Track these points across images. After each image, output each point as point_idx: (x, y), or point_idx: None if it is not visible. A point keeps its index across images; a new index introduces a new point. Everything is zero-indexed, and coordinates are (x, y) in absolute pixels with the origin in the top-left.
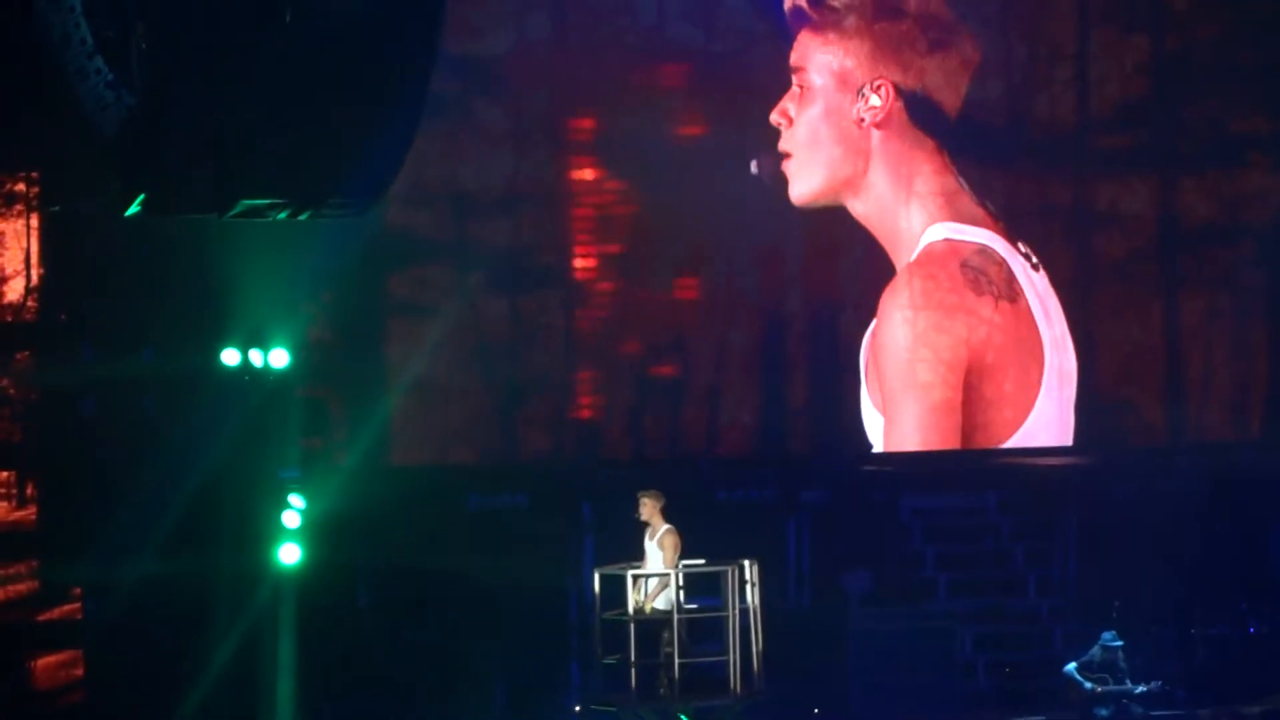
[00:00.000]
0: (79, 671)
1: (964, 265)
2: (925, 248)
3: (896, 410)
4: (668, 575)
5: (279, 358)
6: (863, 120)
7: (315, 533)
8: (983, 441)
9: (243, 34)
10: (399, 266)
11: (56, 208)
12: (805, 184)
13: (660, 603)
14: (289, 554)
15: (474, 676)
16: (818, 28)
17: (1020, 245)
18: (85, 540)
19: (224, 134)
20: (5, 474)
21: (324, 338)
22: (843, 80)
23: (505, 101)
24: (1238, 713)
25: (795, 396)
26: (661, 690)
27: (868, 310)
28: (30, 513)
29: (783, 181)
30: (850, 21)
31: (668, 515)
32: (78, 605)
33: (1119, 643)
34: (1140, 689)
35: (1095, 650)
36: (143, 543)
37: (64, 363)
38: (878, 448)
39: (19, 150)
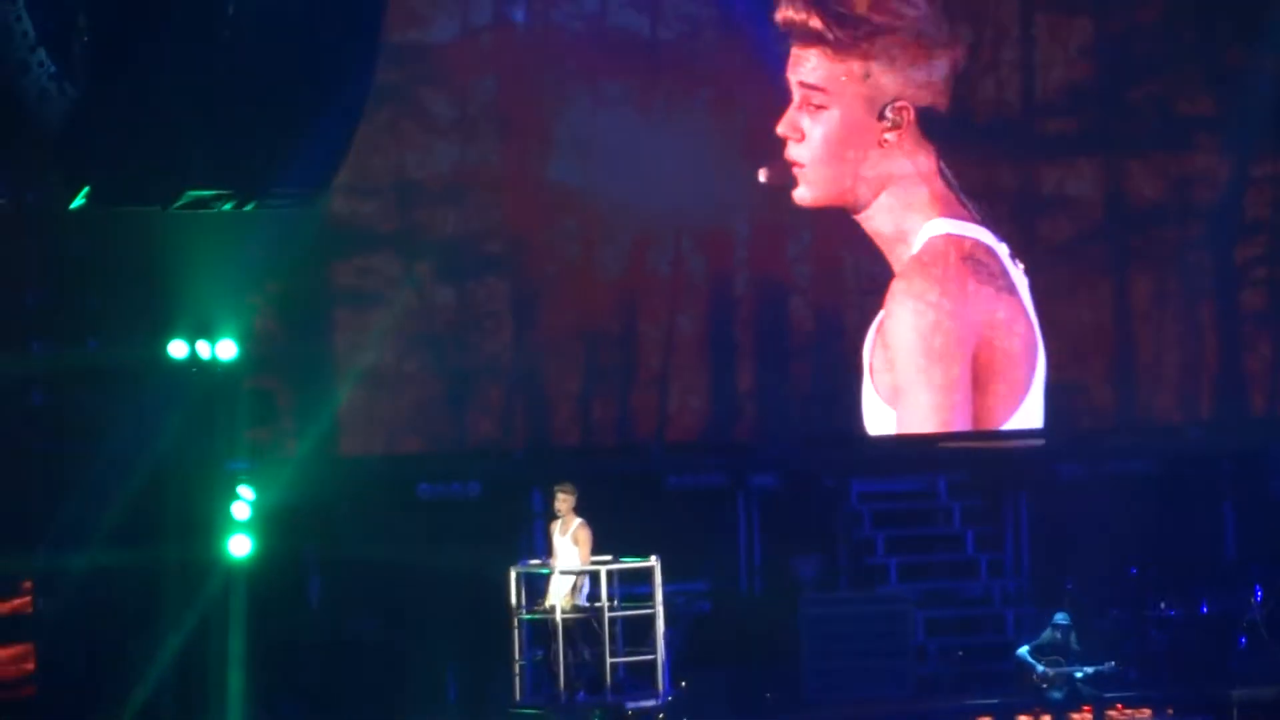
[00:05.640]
0: (30, 666)
1: (967, 257)
2: (928, 241)
3: (908, 397)
4: (585, 572)
5: (226, 349)
6: (885, 141)
7: (265, 524)
8: (987, 424)
9: (186, 26)
10: (345, 256)
11: (2, 201)
12: (817, 193)
13: (578, 600)
14: (239, 546)
15: (425, 666)
16: (836, 46)
17: (1006, 245)
18: (34, 532)
19: (168, 126)
20: None
21: (270, 328)
22: (867, 104)
23: (450, 90)
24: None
25: (744, 381)
26: (581, 690)
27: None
28: None
29: (791, 185)
30: (867, 39)
31: (578, 508)
32: (28, 599)
33: (1067, 622)
34: (1091, 670)
35: (1047, 632)
36: (91, 535)
37: (11, 355)
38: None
39: None
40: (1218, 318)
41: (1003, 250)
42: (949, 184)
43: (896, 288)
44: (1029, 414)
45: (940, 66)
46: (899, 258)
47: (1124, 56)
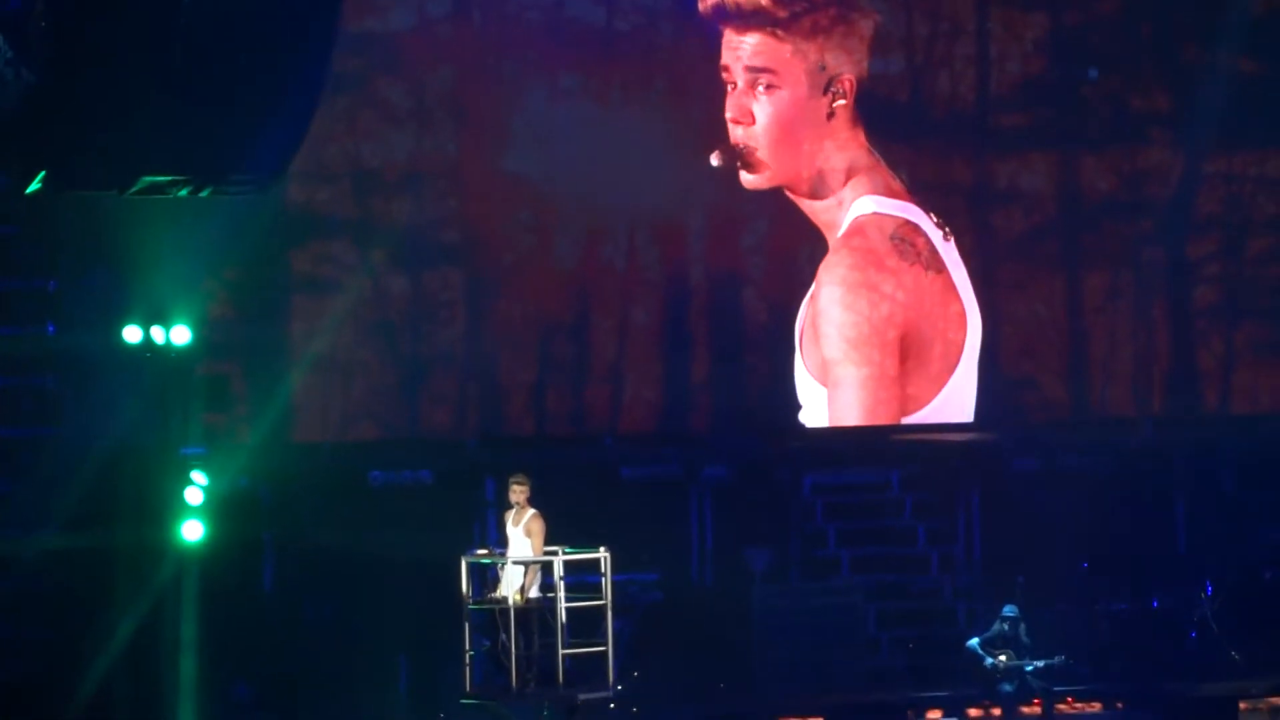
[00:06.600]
0: None
1: (893, 236)
2: (855, 220)
3: (837, 380)
4: (538, 563)
5: (180, 334)
6: (831, 114)
7: (218, 509)
8: (915, 409)
9: (143, 12)
10: (301, 243)
11: None
12: (769, 176)
13: (530, 591)
14: (192, 530)
15: (377, 653)
16: (785, 25)
17: (933, 216)
18: None
19: (125, 111)
20: None
21: (226, 314)
22: (812, 80)
23: (407, 79)
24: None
25: (697, 372)
26: (532, 681)
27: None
28: None
29: (744, 168)
30: (810, 21)
31: (532, 498)
32: None
33: (1015, 614)
34: (1041, 663)
35: (996, 624)
36: (45, 519)
37: None
38: (817, 418)
39: None
40: (1170, 313)
41: (929, 225)
42: (875, 157)
43: (824, 267)
44: (957, 393)
45: (866, 41)
46: (833, 236)
47: (1079, 51)
